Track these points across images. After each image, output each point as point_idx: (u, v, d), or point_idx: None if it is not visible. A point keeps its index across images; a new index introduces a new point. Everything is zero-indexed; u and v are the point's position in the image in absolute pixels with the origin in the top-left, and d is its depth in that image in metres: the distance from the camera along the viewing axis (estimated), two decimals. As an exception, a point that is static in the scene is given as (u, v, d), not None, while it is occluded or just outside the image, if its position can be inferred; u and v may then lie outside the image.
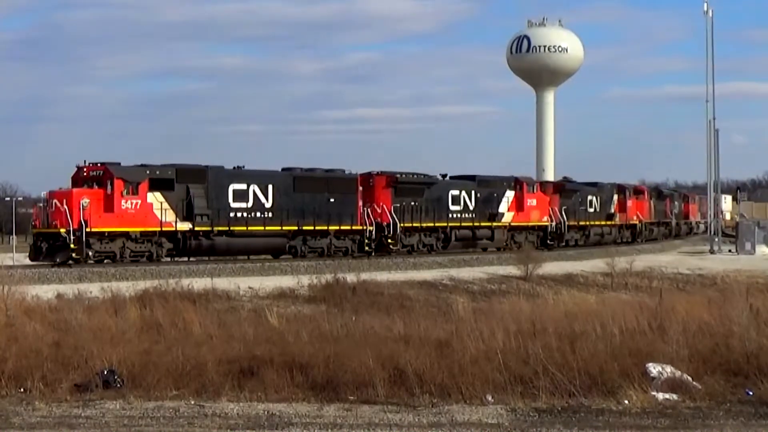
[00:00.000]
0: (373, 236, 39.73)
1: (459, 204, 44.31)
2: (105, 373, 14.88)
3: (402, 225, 40.90)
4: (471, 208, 44.83)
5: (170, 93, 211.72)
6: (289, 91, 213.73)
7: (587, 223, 52.99)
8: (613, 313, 19.69)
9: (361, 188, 40.47)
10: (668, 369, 14.93)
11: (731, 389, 14.47)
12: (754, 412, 13.49)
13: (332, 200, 38.60)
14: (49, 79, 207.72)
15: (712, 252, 55.58)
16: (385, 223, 40.36)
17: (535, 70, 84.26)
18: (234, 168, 37.19)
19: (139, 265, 32.79)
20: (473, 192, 45.04)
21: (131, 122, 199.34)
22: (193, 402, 14.06)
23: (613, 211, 56.24)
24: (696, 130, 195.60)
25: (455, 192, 44.35)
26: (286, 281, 31.66)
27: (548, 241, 48.87)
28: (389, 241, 40.44)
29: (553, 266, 40.73)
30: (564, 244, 49.99)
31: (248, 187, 36.58)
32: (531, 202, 48.14)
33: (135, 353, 15.81)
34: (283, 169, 38.90)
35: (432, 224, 42.70)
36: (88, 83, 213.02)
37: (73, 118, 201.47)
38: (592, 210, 53.90)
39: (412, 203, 41.72)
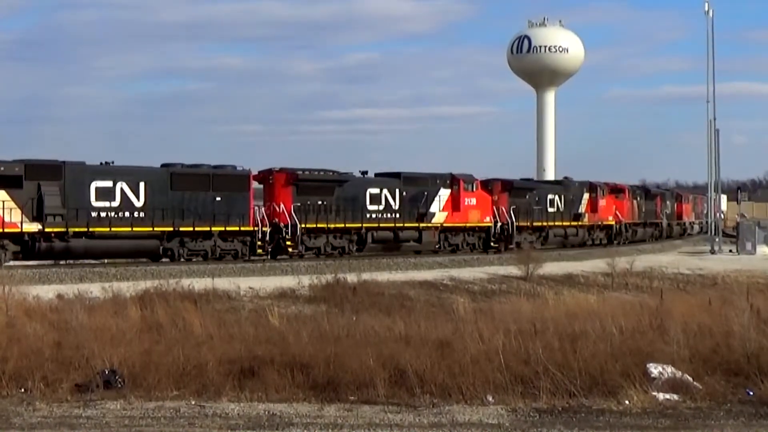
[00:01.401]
0: (267, 238, 36.90)
1: (379, 203, 40.92)
2: (106, 373, 14.88)
3: (305, 226, 37.80)
4: (395, 207, 41.43)
5: (169, 93, 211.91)
6: (288, 92, 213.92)
7: (545, 223, 49.03)
8: (614, 313, 19.72)
9: (261, 186, 38.40)
10: (669, 369, 14.94)
11: (732, 389, 14.49)
12: (755, 413, 13.51)
13: (218, 199, 35.67)
14: (49, 80, 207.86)
15: (712, 252, 55.52)
16: (283, 224, 37.39)
17: (536, 70, 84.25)
18: (101, 164, 34.24)
19: (139, 265, 32.81)
20: (398, 190, 41.61)
21: (131, 122, 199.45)
22: (193, 402, 14.07)
23: (581, 210, 52.27)
24: (696, 131, 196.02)
25: (374, 190, 40.94)
26: (287, 281, 31.68)
27: (492, 244, 45.33)
28: (287, 243, 37.43)
29: (554, 266, 40.74)
30: (513, 246, 45.73)
31: (115, 184, 33.56)
32: (469, 201, 44.18)
33: (136, 353, 15.82)
34: (162, 165, 35.83)
35: (342, 225, 39.31)
36: (88, 83, 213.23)
37: (72, 118, 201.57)
38: (553, 210, 49.92)
39: (319, 202, 38.64)
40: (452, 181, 43.81)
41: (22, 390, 14.60)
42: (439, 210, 43.18)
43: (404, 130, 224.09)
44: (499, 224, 45.78)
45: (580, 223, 52.15)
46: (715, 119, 57.60)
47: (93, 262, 34.08)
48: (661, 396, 14.18)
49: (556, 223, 50.05)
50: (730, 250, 55.60)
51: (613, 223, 55.26)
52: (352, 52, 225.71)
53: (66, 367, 15.23)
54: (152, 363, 15.34)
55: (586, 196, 53.00)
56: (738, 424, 12.96)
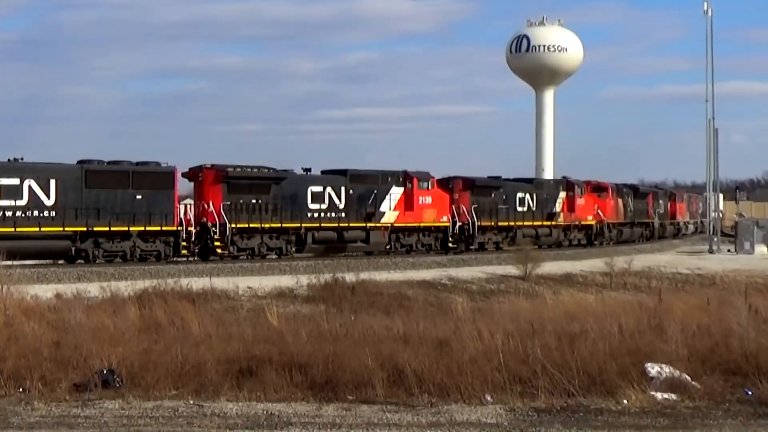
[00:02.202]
0: (194, 238, 35.06)
1: (322, 202, 38.97)
2: (104, 372, 14.88)
3: (236, 225, 35.89)
4: (340, 206, 39.43)
5: (169, 93, 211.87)
6: (287, 91, 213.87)
7: (513, 223, 47.07)
8: (612, 312, 19.75)
9: (192, 184, 37.01)
10: (667, 369, 14.95)
11: (730, 389, 14.50)
12: (753, 412, 13.52)
13: (139, 197, 33.74)
14: (48, 79, 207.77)
15: (710, 252, 55.57)
16: (211, 224, 35.49)
17: (535, 70, 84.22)
18: (8, 160, 32.31)
19: (138, 265, 32.77)
20: (344, 188, 39.62)
21: (130, 122, 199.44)
22: (192, 402, 14.06)
23: (556, 210, 50.24)
24: (695, 130, 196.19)
25: (317, 188, 38.89)
26: (285, 281, 31.67)
27: (450, 244, 43.32)
28: (216, 243, 35.57)
29: (552, 266, 40.76)
30: (477, 247, 44.75)
31: (22, 182, 31.75)
32: (424, 200, 42.03)
33: (134, 353, 15.83)
34: (78, 162, 33.85)
35: (279, 225, 37.35)
36: (87, 83, 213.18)
37: (71, 118, 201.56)
38: (523, 209, 48.01)
39: (253, 201, 36.78)
40: (405, 178, 41.88)
41: (21, 389, 14.59)
42: (389, 209, 41.16)
43: (404, 129, 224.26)
44: (458, 224, 43.85)
45: (554, 222, 50.10)
46: (713, 119, 57.69)
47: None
48: (659, 395, 14.18)
49: (526, 223, 48.04)
50: (729, 250, 55.63)
51: (593, 222, 53.25)
52: (351, 52, 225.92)
53: (64, 366, 15.22)
54: (150, 362, 15.34)
55: (562, 194, 51.15)
56: (736, 424, 12.97)
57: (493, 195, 46.66)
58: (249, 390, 14.48)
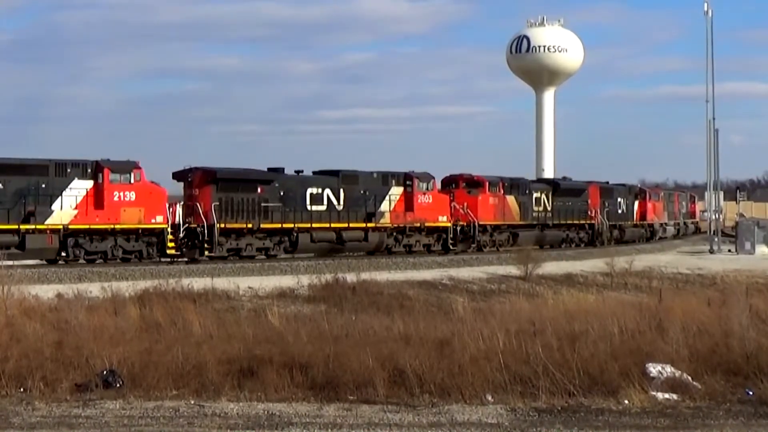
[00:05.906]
0: None
1: None
2: (105, 372, 14.91)
3: None
4: None
5: (167, 93, 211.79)
6: (286, 92, 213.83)
7: (292, 225, 38.09)
8: (613, 312, 19.75)
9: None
10: (668, 369, 14.97)
11: (731, 389, 14.53)
12: (754, 412, 13.53)
13: None
14: (46, 80, 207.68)
15: (711, 252, 55.59)
16: None
17: (535, 70, 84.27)
18: None
19: (139, 265, 32.80)
20: None
21: (128, 123, 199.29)
22: (192, 402, 14.08)
23: (382, 209, 41.27)
24: (696, 131, 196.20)
25: None
26: (286, 281, 31.68)
27: (169, 251, 34.98)
28: None
29: (553, 266, 40.77)
30: (216, 253, 36.06)
31: None
32: (122, 196, 33.92)
33: (135, 353, 15.85)
34: None
35: None
36: (85, 84, 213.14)
37: (69, 118, 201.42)
38: (319, 207, 39.12)
39: None
40: (96, 170, 33.71)
41: (22, 389, 14.61)
42: (64, 207, 32.84)
43: (403, 129, 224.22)
44: (187, 225, 35.68)
45: (374, 224, 41.03)
46: (714, 119, 57.68)
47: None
48: (660, 395, 14.19)
49: (319, 225, 39.13)
50: (729, 250, 55.66)
51: (449, 224, 44.12)
52: (349, 53, 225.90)
53: (65, 366, 15.25)
54: (151, 363, 15.36)
55: (396, 191, 42.19)
56: (737, 424, 12.98)
57: (259, 190, 37.76)
58: (250, 390, 14.50)
